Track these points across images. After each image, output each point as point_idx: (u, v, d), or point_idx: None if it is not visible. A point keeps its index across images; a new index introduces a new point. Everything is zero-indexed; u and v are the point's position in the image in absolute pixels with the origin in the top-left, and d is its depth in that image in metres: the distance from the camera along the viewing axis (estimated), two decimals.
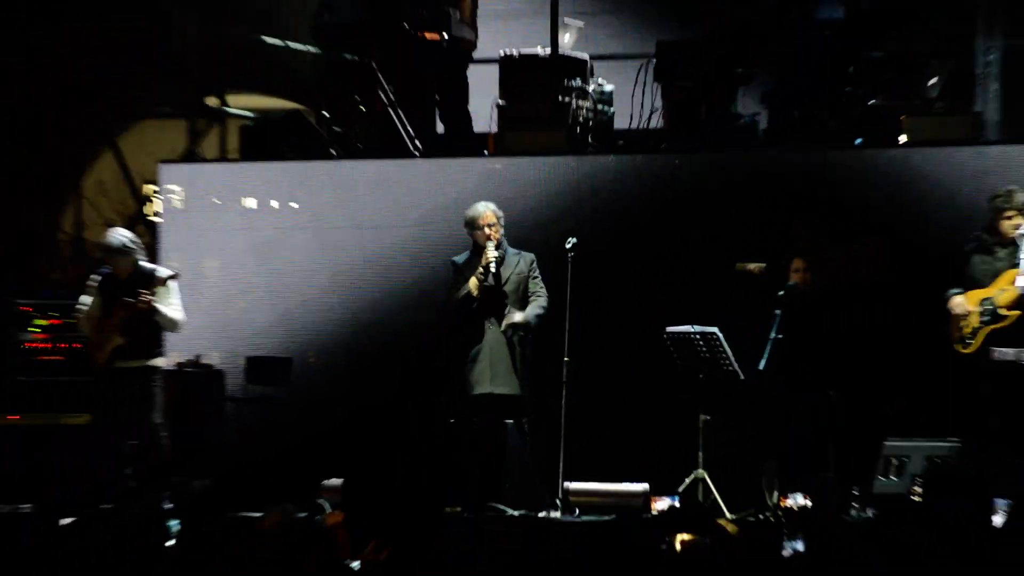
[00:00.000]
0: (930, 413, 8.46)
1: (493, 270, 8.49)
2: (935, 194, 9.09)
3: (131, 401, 8.56)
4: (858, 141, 9.52)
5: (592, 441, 8.71)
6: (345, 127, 10.39)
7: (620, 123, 10.22)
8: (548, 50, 9.93)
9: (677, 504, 8.37)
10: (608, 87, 10.20)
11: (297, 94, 12.40)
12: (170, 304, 8.65)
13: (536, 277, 8.64)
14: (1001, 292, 8.02)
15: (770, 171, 9.44)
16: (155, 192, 10.38)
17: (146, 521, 5.40)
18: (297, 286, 9.84)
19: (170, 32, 11.35)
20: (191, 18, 10.61)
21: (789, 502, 8.17)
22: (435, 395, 9.05)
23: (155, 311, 8.55)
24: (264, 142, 10.28)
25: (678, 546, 4.93)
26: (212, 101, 11.55)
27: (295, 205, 10.01)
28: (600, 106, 10.06)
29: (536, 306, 8.56)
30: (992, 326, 8.03)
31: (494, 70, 10.09)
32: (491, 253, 8.48)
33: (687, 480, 8.41)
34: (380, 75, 10.16)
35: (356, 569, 4.97)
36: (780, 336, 8.38)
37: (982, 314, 8.05)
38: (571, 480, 8.47)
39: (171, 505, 7.14)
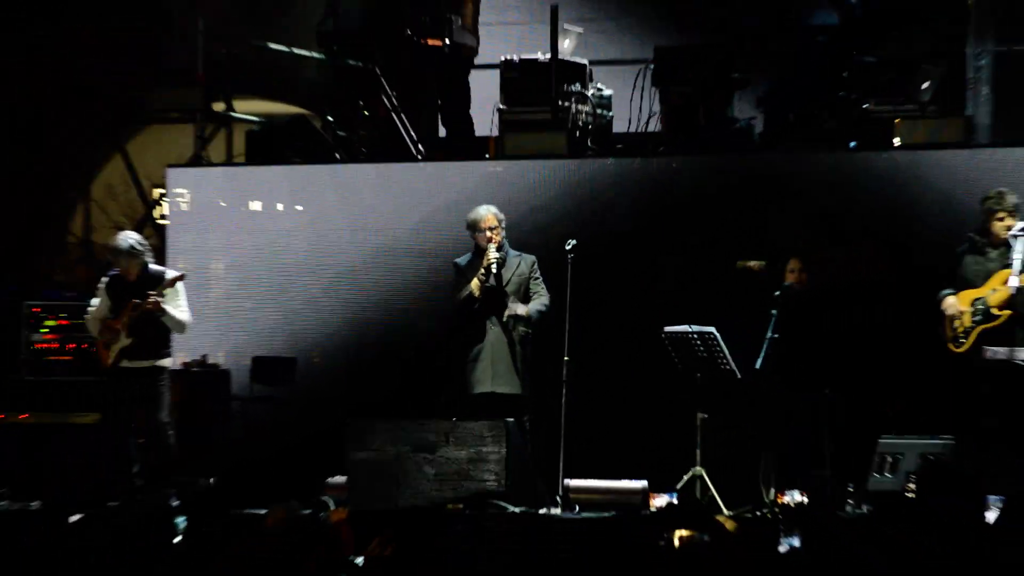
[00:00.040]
0: (924, 411, 8.45)
1: (494, 271, 8.48)
2: (928, 196, 9.08)
3: (138, 400, 8.54)
4: (852, 144, 9.51)
5: (592, 439, 8.70)
6: (349, 131, 10.40)
7: (619, 127, 10.21)
8: (548, 56, 9.91)
9: (675, 501, 8.35)
10: (607, 92, 10.19)
11: (302, 99, 12.38)
12: (177, 305, 8.64)
13: (537, 278, 8.64)
14: (993, 292, 8.00)
15: (766, 174, 9.44)
16: (163, 196, 10.37)
17: (153, 518, 5.38)
18: (301, 287, 9.83)
19: (171, 34, 11.30)
20: (199, 25, 10.58)
21: (786, 499, 8.16)
22: (435, 395, 9.03)
23: (162, 312, 8.53)
24: (270, 146, 10.29)
25: (676, 542, 4.91)
26: (219, 106, 11.53)
27: (300, 208, 10.01)
28: (599, 110, 10.04)
29: (538, 303, 8.56)
30: (984, 325, 8.00)
31: (495, 75, 10.08)
32: (492, 255, 8.48)
33: (685, 477, 8.40)
34: (383, 80, 10.18)
35: (360, 565, 4.95)
36: (776, 336, 8.38)
37: (974, 314, 8.03)
38: (571, 478, 8.46)
39: (177, 502, 7.12)
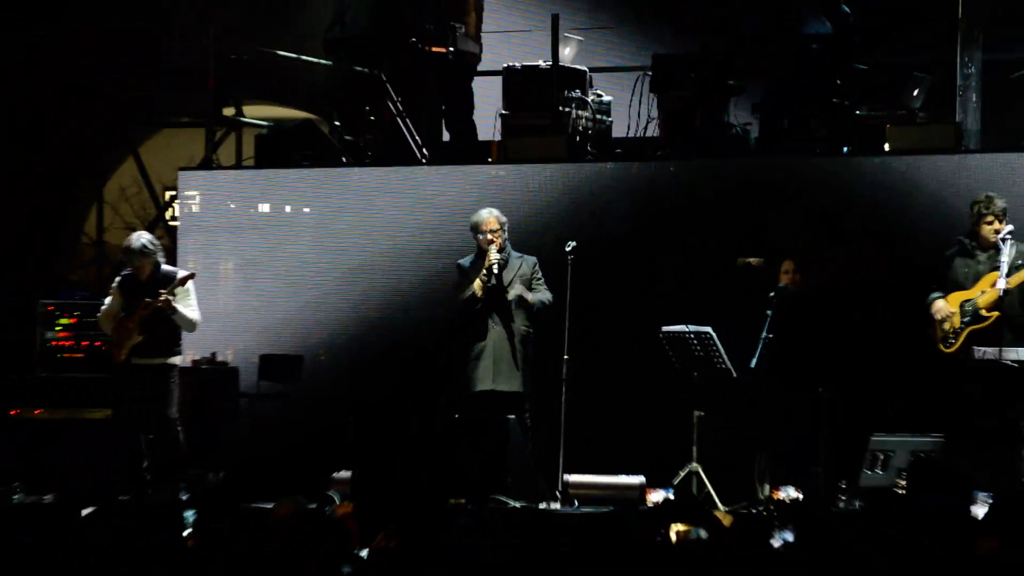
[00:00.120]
0: (915, 410, 8.42)
1: (496, 272, 8.47)
2: (918, 200, 9.05)
3: (149, 397, 8.52)
4: (845, 149, 9.49)
5: (591, 436, 8.68)
6: (355, 136, 10.40)
7: (618, 132, 10.20)
8: (549, 63, 9.90)
9: (672, 496, 8.32)
10: (606, 98, 10.18)
11: (310, 104, 12.39)
12: (188, 304, 8.62)
13: (539, 278, 8.62)
14: (982, 294, 7.97)
15: (761, 178, 9.43)
16: (174, 198, 10.35)
17: (163, 512, 5.36)
18: (308, 287, 9.81)
19: (172, 34, 11.29)
20: (209, 32, 10.56)
21: (780, 495, 8.13)
22: (437, 393, 9.01)
23: (173, 310, 8.51)
24: (278, 150, 10.27)
25: (673, 536, 4.89)
26: (229, 111, 11.53)
27: (307, 210, 10.00)
28: (599, 116, 10.03)
29: (542, 295, 8.53)
30: (973, 326, 7.98)
31: (497, 82, 10.08)
32: (493, 256, 8.47)
33: (682, 473, 8.37)
34: (389, 86, 10.17)
35: (363, 557, 4.93)
36: (771, 335, 8.35)
37: (963, 315, 8.00)
38: (570, 473, 8.43)
39: (187, 496, 7.10)
